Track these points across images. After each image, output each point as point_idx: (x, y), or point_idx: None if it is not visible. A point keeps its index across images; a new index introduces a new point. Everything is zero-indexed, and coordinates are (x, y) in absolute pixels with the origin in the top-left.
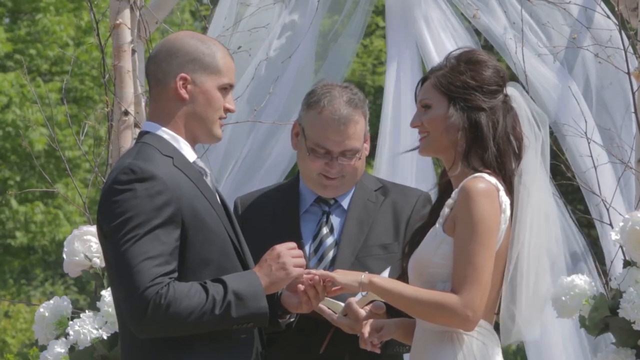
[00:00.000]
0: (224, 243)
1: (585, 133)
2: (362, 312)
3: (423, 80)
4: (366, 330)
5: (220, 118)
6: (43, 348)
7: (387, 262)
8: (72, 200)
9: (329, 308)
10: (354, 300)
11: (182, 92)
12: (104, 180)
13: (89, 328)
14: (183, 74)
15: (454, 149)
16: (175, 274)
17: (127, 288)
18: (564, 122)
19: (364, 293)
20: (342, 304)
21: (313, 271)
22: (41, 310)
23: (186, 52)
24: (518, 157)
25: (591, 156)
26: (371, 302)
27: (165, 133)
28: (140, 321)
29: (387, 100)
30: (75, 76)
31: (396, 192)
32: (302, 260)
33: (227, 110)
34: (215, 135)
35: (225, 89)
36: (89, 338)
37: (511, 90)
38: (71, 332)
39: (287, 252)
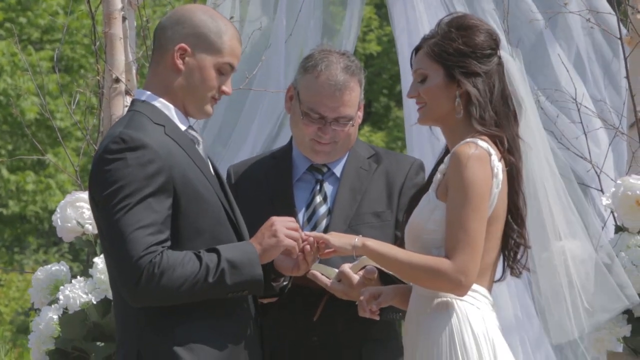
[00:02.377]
0: (217, 212)
1: (575, 99)
2: (356, 277)
3: (416, 49)
4: (364, 297)
5: (213, 98)
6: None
7: (380, 230)
8: (63, 169)
9: (322, 274)
10: (347, 266)
11: (179, 62)
12: (96, 149)
13: (79, 292)
14: (183, 45)
15: (452, 117)
16: (168, 243)
17: (120, 257)
18: (554, 89)
19: (356, 257)
20: (336, 270)
21: (308, 233)
22: (38, 273)
23: (193, 25)
24: (516, 118)
25: (581, 122)
26: (364, 267)
27: (158, 101)
28: (133, 290)
29: (405, 74)
30: (66, 44)
31: (389, 159)
32: (296, 234)
33: (222, 92)
34: (204, 112)
35: (224, 70)
36: (78, 302)
37: (503, 52)
38: (61, 297)
39: (281, 221)
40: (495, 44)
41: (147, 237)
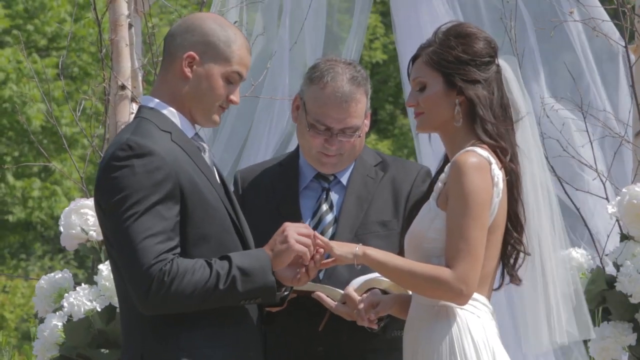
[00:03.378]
0: (223, 219)
1: (582, 107)
2: (361, 299)
3: (414, 58)
4: (363, 306)
5: (221, 107)
6: (42, 322)
7: (386, 239)
8: (69, 175)
9: (328, 296)
10: (352, 288)
11: (187, 70)
12: (102, 155)
13: (83, 300)
14: (192, 53)
15: (451, 125)
16: (178, 250)
17: (130, 266)
18: (559, 97)
19: (357, 266)
20: (341, 292)
21: (319, 236)
22: (42, 282)
23: (202, 33)
24: (513, 126)
25: (587, 130)
26: (369, 289)
27: (165, 109)
28: (144, 299)
29: (407, 83)
30: (72, 51)
31: (396, 167)
32: (308, 240)
33: (230, 101)
34: (211, 120)
35: (233, 79)
36: (82, 310)
37: (501, 61)
38: (65, 304)
39: (293, 227)
40: (493, 51)
41: (157, 246)
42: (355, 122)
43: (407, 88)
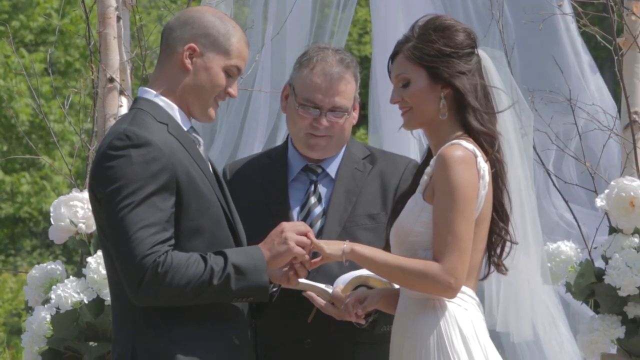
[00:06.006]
0: (217, 211)
1: (570, 101)
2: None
3: (393, 55)
4: (350, 301)
5: (218, 98)
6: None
7: (374, 232)
8: (59, 170)
9: (317, 295)
10: (339, 289)
11: (187, 62)
12: (90, 149)
13: (70, 292)
14: (192, 45)
15: (437, 119)
16: (173, 241)
17: (124, 256)
18: (548, 91)
19: (346, 262)
20: (330, 291)
21: (311, 235)
22: (33, 272)
23: (202, 26)
24: (495, 116)
25: (575, 123)
26: (358, 287)
27: (161, 100)
28: (137, 289)
29: (375, 75)
30: (60, 46)
31: (384, 160)
32: (306, 240)
33: (228, 94)
34: (207, 114)
35: (232, 72)
36: (69, 302)
37: (480, 51)
38: (53, 297)
39: (292, 228)
40: (473, 42)
41: (151, 237)
42: (344, 102)
43: (377, 86)
